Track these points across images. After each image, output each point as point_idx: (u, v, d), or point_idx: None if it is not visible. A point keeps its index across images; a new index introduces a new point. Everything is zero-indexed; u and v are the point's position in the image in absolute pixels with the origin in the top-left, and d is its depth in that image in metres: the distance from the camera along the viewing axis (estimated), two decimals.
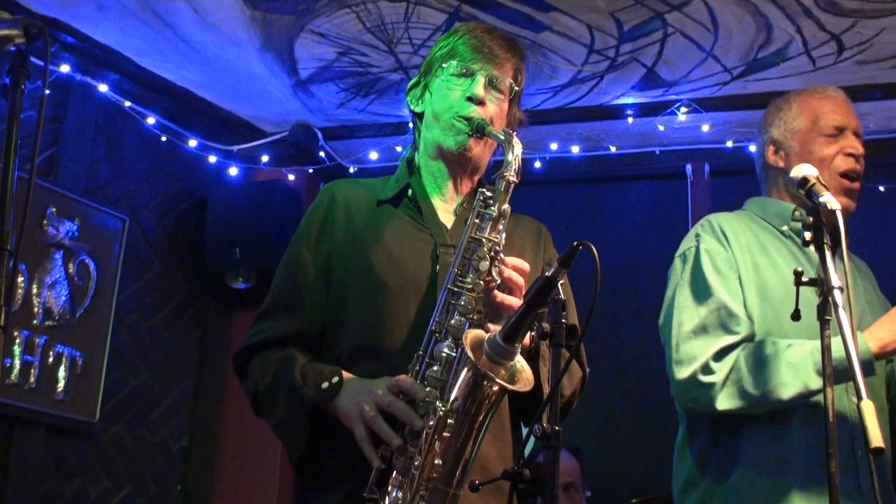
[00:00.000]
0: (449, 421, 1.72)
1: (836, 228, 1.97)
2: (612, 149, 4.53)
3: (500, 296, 1.88)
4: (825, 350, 1.88)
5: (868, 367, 2.18)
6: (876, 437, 1.69)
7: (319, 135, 4.64)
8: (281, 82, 4.25)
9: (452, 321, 1.84)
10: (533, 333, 1.82)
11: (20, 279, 3.69)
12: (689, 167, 4.54)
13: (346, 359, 1.98)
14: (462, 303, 1.85)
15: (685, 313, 2.37)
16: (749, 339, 2.32)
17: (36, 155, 1.76)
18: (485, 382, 1.71)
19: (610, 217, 4.67)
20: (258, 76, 4.20)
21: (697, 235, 2.47)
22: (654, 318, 2.50)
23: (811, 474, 2.23)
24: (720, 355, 2.29)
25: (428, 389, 1.78)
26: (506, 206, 1.94)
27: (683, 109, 4.14)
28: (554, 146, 4.54)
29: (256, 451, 4.42)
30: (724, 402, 2.26)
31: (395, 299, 1.97)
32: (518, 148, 1.98)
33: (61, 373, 3.81)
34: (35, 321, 3.75)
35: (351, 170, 4.79)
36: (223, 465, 4.52)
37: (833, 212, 1.99)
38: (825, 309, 1.90)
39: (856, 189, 2.47)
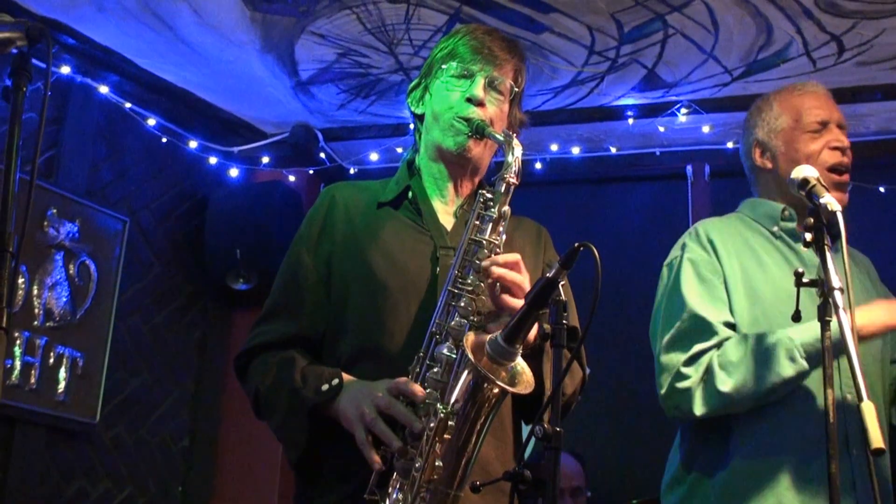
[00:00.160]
0: (449, 423, 1.72)
1: (832, 225, 1.97)
2: (613, 150, 4.54)
3: (504, 297, 1.87)
4: (825, 351, 1.89)
5: (836, 349, 2.16)
6: (877, 439, 1.69)
7: (320, 136, 4.64)
8: (281, 83, 4.25)
9: (453, 323, 1.85)
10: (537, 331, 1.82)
11: (20, 280, 3.69)
12: (689, 168, 4.54)
13: (346, 361, 1.98)
14: (462, 304, 1.85)
15: (664, 325, 2.40)
16: (725, 342, 2.32)
17: (38, 156, 1.76)
18: (485, 384, 1.71)
19: (610, 218, 4.67)
20: (258, 77, 4.21)
21: (683, 245, 2.48)
22: None
23: (801, 468, 2.23)
24: (691, 360, 2.30)
25: (428, 391, 1.78)
26: (506, 208, 1.95)
27: (684, 110, 4.15)
28: (554, 147, 4.54)
29: (257, 452, 4.42)
30: (701, 405, 2.27)
31: (395, 301, 1.97)
32: (518, 150, 1.98)
33: (62, 374, 3.81)
34: (36, 322, 3.75)
35: (351, 171, 4.79)
36: (224, 466, 4.53)
37: (834, 213, 2.00)
38: (825, 310, 1.91)
39: (846, 182, 2.47)
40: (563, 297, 1.67)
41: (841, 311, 1.85)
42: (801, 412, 2.27)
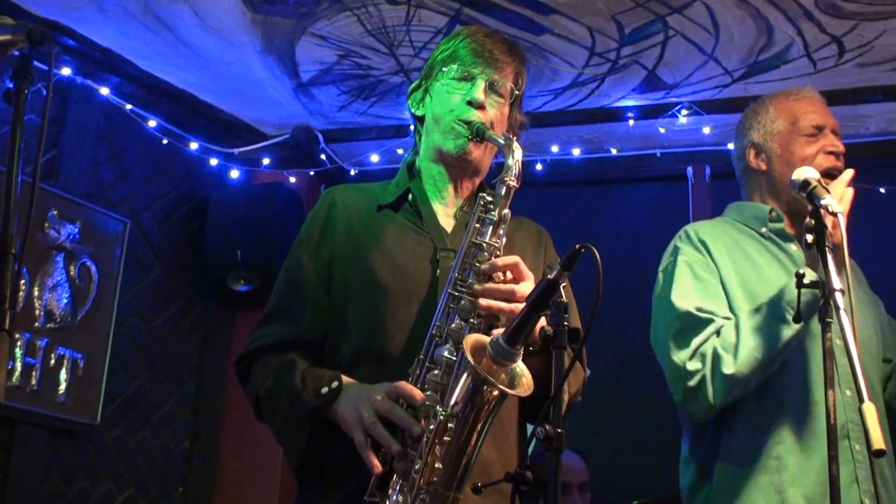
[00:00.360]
0: (449, 425, 1.72)
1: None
2: (614, 151, 4.54)
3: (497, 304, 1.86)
4: (826, 353, 1.89)
5: (812, 307, 2.12)
6: (877, 440, 1.70)
7: (320, 137, 4.65)
8: (282, 85, 4.25)
9: (453, 325, 1.85)
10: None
11: (21, 282, 3.69)
12: (690, 169, 4.53)
13: (347, 363, 1.98)
14: (462, 307, 1.86)
15: (664, 331, 2.39)
16: (721, 328, 2.32)
17: (39, 158, 1.76)
18: (485, 387, 1.71)
19: (611, 219, 4.67)
20: (259, 79, 4.21)
21: (676, 248, 2.49)
22: None
23: (803, 473, 2.23)
24: (694, 355, 2.30)
25: (428, 393, 1.79)
26: (506, 211, 1.95)
27: (684, 112, 4.15)
28: (555, 148, 4.54)
29: (258, 453, 4.42)
30: (716, 393, 2.25)
31: (395, 304, 1.97)
32: (518, 152, 1.99)
33: (63, 375, 3.81)
34: (36, 324, 3.76)
35: (352, 172, 4.79)
36: (225, 468, 4.53)
37: (836, 214, 2.00)
38: (826, 311, 1.91)
39: None
40: (564, 298, 1.68)
41: (842, 313, 1.85)
42: (802, 412, 2.27)
